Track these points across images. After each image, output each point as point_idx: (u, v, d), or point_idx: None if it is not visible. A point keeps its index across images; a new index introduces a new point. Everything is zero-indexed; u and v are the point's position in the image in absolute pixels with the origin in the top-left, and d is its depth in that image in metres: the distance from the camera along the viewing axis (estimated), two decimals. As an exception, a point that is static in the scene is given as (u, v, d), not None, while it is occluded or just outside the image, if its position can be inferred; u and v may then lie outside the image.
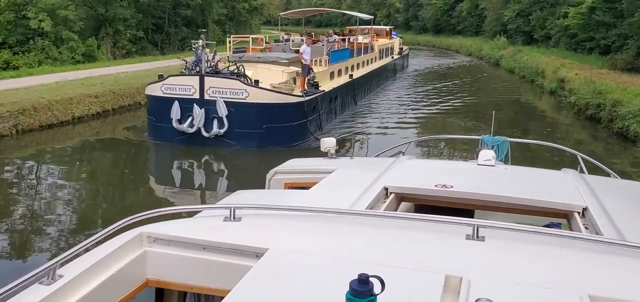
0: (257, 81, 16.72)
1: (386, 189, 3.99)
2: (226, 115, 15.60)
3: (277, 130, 16.01)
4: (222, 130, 15.70)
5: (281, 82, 17.64)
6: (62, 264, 2.47)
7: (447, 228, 2.86)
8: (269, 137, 15.82)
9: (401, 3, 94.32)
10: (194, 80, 15.82)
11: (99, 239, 2.73)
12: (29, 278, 2.31)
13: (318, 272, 2.45)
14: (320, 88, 18.70)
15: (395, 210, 3.91)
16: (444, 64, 49.86)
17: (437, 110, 25.75)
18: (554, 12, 44.09)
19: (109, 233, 2.77)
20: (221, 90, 15.69)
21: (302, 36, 21.45)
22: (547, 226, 3.87)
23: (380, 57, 32.72)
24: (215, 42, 18.32)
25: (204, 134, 15.81)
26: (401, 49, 40.68)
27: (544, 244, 2.73)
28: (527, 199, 3.81)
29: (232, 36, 23.66)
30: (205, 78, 15.72)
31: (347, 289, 1.85)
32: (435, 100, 28.28)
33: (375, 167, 4.81)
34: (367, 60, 28.92)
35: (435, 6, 77.35)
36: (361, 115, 23.05)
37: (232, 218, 3.03)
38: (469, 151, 16.10)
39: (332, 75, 22.03)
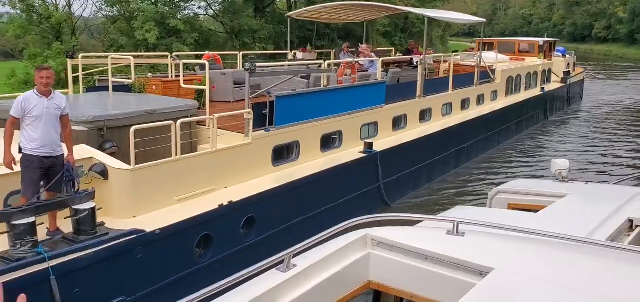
0: None
1: (631, 221, 3.71)
2: None
3: None
4: None
5: None
6: (294, 255, 2.74)
7: None
8: None
9: (626, 12, 78.38)
10: None
11: (327, 236, 2.93)
12: (268, 263, 2.62)
13: (552, 301, 2.30)
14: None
15: None
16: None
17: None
18: None
19: (336, 231, 2.96)
20: None
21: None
22: None
23: (511, 90, 21.05)
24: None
25: None
26: (568, 72, 27.37)
27: None
28: None
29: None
30: None
31: None
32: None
33: (617, 195, 4.45)
34: (463, 101, 17.27)
35: (669, 16, 61.58)
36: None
37: (455, 232, 3.06)
38: None
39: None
